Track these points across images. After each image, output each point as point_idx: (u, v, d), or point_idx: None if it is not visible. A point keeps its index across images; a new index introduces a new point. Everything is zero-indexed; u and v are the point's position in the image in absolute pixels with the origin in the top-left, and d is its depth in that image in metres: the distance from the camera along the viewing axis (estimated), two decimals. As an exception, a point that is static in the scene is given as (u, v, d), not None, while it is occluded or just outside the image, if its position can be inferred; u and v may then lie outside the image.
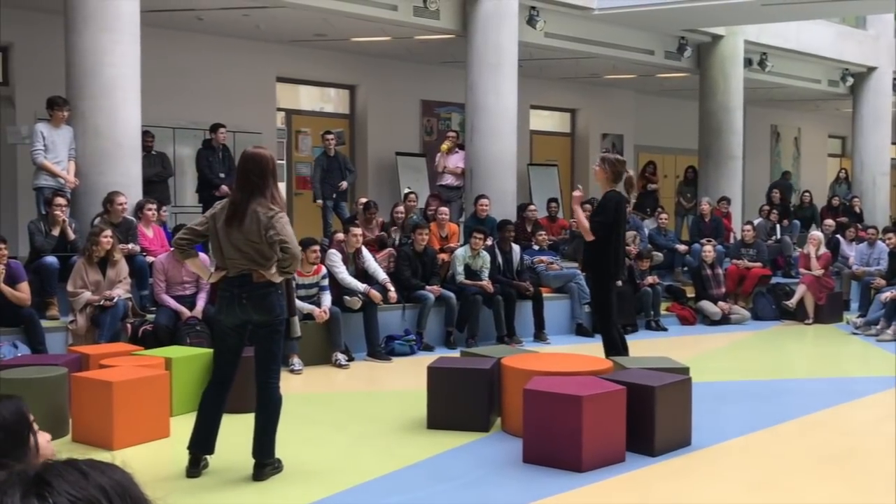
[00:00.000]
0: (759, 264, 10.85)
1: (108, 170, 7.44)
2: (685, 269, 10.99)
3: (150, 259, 7.36)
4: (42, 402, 4.78)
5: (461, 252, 8.71)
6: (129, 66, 7.49)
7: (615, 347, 5.97)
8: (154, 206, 7.73)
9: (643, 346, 7.42)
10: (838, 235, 12.10)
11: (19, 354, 6.09)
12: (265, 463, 4.35)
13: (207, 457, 4.44)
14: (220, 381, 4.49)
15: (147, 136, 9.17)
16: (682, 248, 11.21)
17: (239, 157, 4.39)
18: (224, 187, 9.24)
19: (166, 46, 10.36)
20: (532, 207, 11.08)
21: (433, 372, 5.29)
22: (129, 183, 7.54)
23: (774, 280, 11.07)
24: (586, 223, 5.90)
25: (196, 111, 10.74)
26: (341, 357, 7.30)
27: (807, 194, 14.94)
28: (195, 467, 4.38)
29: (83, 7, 7.31)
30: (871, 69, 15.23)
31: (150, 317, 6.91)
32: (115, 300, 6.59)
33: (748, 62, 13.33)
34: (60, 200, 7.11)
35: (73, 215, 7.34)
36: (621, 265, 6.12)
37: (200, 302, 7.01)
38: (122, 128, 7.47)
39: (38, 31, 9.23)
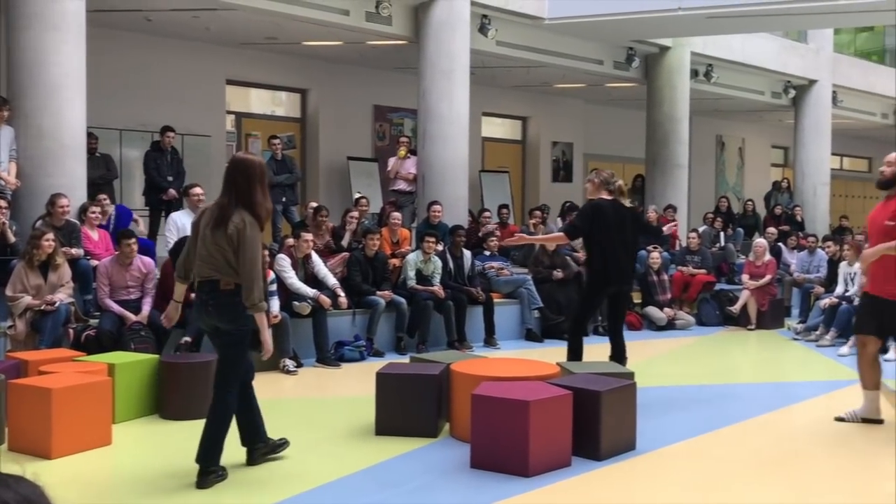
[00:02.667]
0: (703, 271, 11.08)
1: (52, 171, 7.28)
2: (633, 275, 11.15)
3: (94, 263, 7.21)
4: (-22, 409, 4.66)
5: (413, 257, 8.72)
6: (74, 66, 7.33)
7: (574, 353, 6.17)
8: (98, 210, 7.58)
9: (591, 352, 7.51)
10: (780, 243, 12.41)
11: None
12: (209, 470, 4.28)
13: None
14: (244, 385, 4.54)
15: (91, 137, 8.98)
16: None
17: (228, 162, 4.40)
18: (172, 191, 9.11)
19: (114, 47, 10.18)
20: (486, 214, 11.15)
21: (382, 378, 5.29)
22: (73, 185, 7.38)
23: (718, 286, 11.31)
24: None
25: (144, 113, 10.57)
26: (289, 363, 7.24)
27: (750, 203, 15.30)
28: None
29: (26, 5, 7.15)
30: (812, 82, 15.68)
31: (94, 322, 6.77)
32: (56, 305, 6.44)
33: (694, 73, 13.62)
34: (0, 202, 6.93)
35: (14, 217, 7.16)
36: (612, 273, 6.09)
37: (146, 307, 6.89)
38: (66, 129, 7.31)
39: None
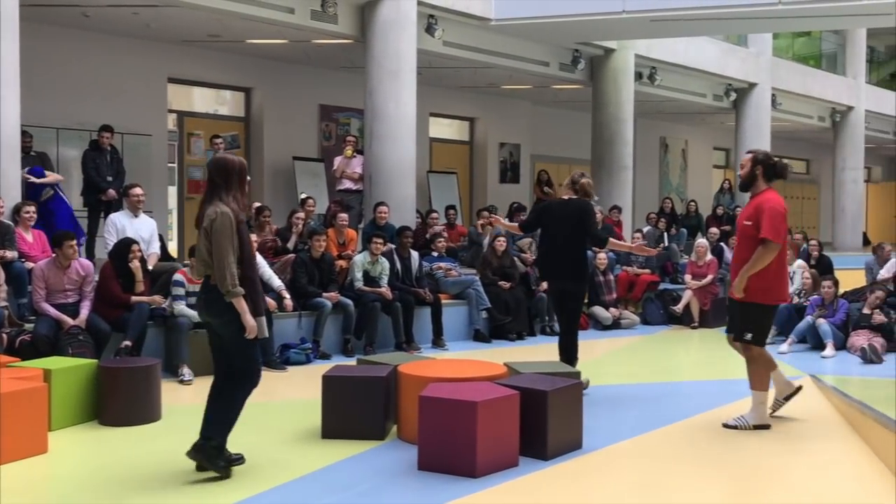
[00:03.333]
0: (647, 271, 11.24)
1: (-17, 171, 7.03)
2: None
3: (29, 265, 6.98)
4: None
5: (360, 258, 8.65)
6: (7, 62, 7.09)
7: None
8: (32, 209, 7.32)
9: (538, 351, 7.56)
10: (722, 243, 12.65)
11: None
12: (204, 439, 4.39)
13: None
14: (216, 375, 4.53)
15: (25, 135, 8.70)
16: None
17: (208, 163, 4.52)
18: (111, 191, 8.87)
19: (50, 43, 9.90)
20: (434, 215, 11.12)
21: (328, 380, 5.23)
22: (7, 185, 7.16)
23: (662, 286, 11.48)
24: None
25: (82, 111, 10.29)
26: (187, 372, 7.07)
27: (693, 204, 15.58)
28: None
29: (-45, -2, 6.89)
30: (753, 85, 16.05)
31: (29, 326, 6.55)
32: (-12, 309, 6.21)
33: (638, 76, 13.81)
34: (-72, 203, 6.67)
35: (-58, 219, 6.89)
36: (544, 269, 6.67)
37: (84, 310, 6.70)
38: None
39: None
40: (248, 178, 4.56)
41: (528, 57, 12.53)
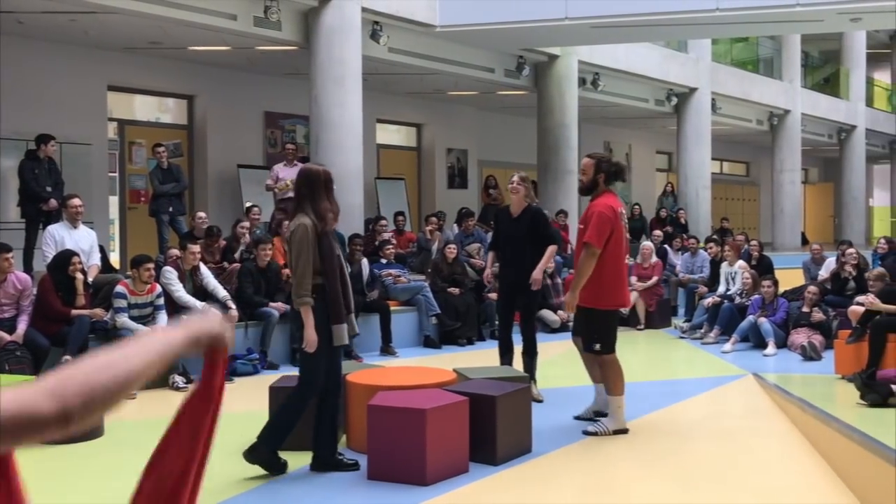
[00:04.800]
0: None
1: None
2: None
3: (-38, 280, 6.75)
4: None
5: (306, 267, 8.56)
6: (-65, 70, 6.87)
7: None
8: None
9: (487, 356, 7.58)
10: (666, 245, 12.88)
11: None
12: (258, 443, 4.48)
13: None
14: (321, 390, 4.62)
15: None
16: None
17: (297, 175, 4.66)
18: (53, 201, 8.65)
19: (-19, 50, 9.61)
20: (383, 222, 11.09)
21: (275, 391, 5.17)
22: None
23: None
24: None
25: (18, 121, 10.00)
26: (179, 379, 6.98)
27: (637, 207, 15.84)
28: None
29: None
30: (693, 90, 16.38)
31: (-37, 343, 6.34)
32: (-81, 326, 6.00)
33: (582, 81, 13.99)
34: None
35: None
36: (502, 273, 6.49)
37: (21, 325, 6.51)
38: (-73, 137, 6.84)
39: None
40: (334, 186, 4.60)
41: (473, 63, 12.60)
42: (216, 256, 8.85)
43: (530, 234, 6.21)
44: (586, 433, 5.37)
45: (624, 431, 5.39)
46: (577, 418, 5.66)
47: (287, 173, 10.77)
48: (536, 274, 6.17)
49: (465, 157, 16.66)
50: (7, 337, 6.36)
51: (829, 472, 4.61)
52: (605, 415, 5.52)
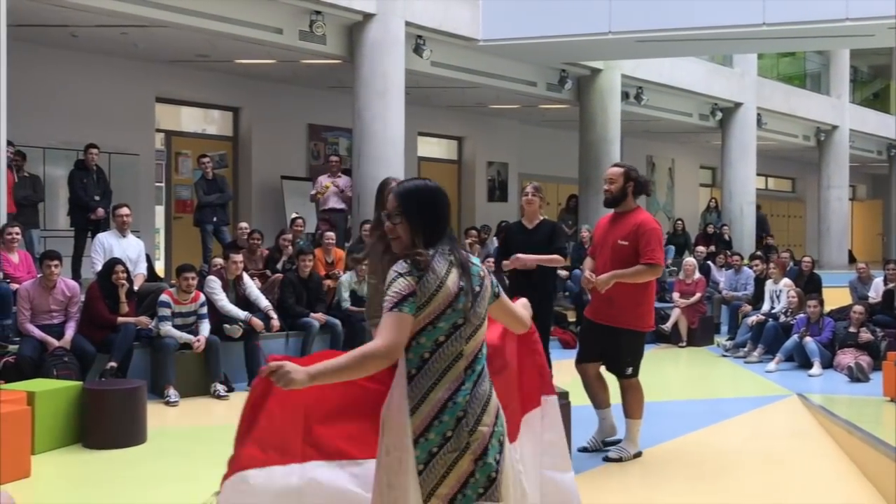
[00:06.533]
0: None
1: (-32, 191, 6.99)
2: (566, 293, 11.27)
3: (14, 286, 6.93)
4: None
5: (347, 278, 8.63)
6: (-6, 82, 7.08)
7: None
8: (16, 231, 7.28)
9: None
10: (709, 262, 12.71)
11: None
12: None
13: None
14: None
15: (17, 156, 8.69)
16: (563, 273, 11.49)
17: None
18: (100, 210, 8.84)
19: (37, 63, 9.88)
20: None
21: (316, 402, 5.19)
22: (-9, 206, 7.10)
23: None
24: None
25: (69, 131, 10.26)
26: (220, 388, 7.06)
27: (679, 222, 15.67)
28: None
29: (-58, 18, 6.88)
30: (738, 104, 16.18)
31: (13, 348, 6.48)
32: (-28, 331, 6.15)
33: (625, 95, 13.91)
34: (-88, 224, 6.62)
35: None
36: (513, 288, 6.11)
37: (69, 331, 6.64)
38: (-16, 147, 7.04)
39: None
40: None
41: (515, 77, 12.61)
42: (259, 265, 8.95)
43: (545, 248, 5.89)
44: (608, 460, 5.18)
45: (638, 455, 5.28)
46: (584, 450, 5.30)
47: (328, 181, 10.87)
48: (526, 257, 5.76)
49: (506, 170, 16.65)
50: (55, 342, 6.49)
51: (876, 497, 4.49)
52: (613, 443, 5.36)
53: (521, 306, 2.79)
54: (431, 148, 15.88)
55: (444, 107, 14.72)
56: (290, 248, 9.16)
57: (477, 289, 2.44)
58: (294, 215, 10.50)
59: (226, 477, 2.55)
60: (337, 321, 8.28)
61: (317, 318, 8.14)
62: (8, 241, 7.20)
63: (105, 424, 5.46)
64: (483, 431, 2.37)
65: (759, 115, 16.65)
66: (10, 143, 8.03)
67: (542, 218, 6.13)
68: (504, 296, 2.61)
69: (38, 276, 6.83)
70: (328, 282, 8.89)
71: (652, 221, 5.17)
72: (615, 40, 10.96)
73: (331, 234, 9.57)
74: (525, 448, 2.93)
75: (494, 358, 2.70)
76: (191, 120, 12.80)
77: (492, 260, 9.94)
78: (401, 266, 2.38)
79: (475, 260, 2.53)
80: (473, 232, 11.39)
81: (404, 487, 2.36)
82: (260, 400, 2.55)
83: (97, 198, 8.91)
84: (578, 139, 13.73)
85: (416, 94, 12.19)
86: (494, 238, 12.06)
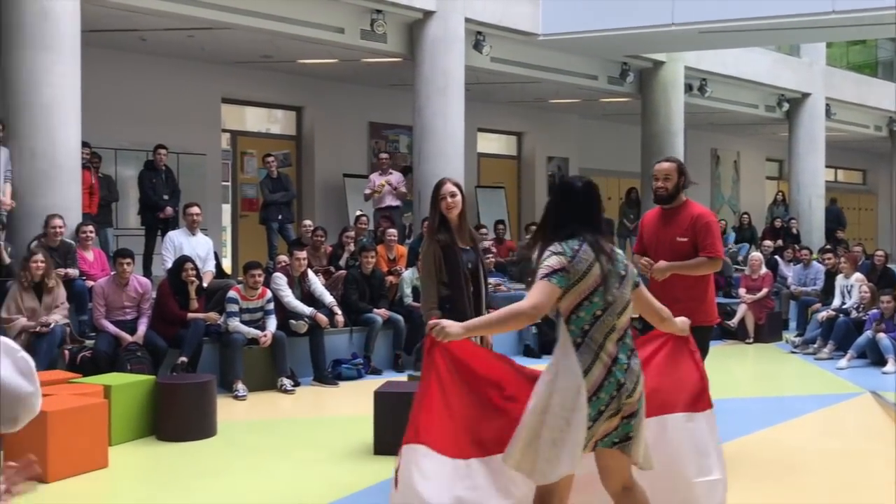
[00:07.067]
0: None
1: (47, 192, 7.26)
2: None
3: (89, 283, 7.18)
4: (-27, 433, 4.62)
5: (409, 274, 8.70)
6: (68, 86, 7.34)
7: None
8: (90, 230, 7.54)
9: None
10: (777, 256, 12.41)
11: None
12: None
13: None
14: None
15: (94, 157, 9.00)
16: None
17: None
18: (169, 209, 9.09)
19: (108, 67, 10.19)
20: (483, 231, 11.14)
21: (380, 397, 5.26)
22: (68, 205, 7.36)
23: (716, 300, 11.27)
24: None
25: (139, 132, 10.57)
26: (287, 382, 7.20)
27: (745, 216, 15.33)
28: None
29: (21, 26, 7.15)
30: (806, 95, 15.75)
31: (89, 343, 6.73)
32: (51, 326, 6.40)
33: (688, 87, 13.67)
34: (-5, 224, 6.91)
35: (9, 239, 7.14)
36: None
37: (142, 327, 6.85)
38: (61, 149, 7.30)
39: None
40: (447, 195, 4.49)
41: (575, 71, 12.51)
42: (322, 261, 9.09)
43: None
44: None
45: None
46: None
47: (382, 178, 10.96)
48: None
49: (566, 165, 16.53)
50: (129, 338, 6.71)
51: (957, 499, 4.34)
52: None
53: (680, 322, 3.30)
54: (491, 144, 15.86)
55: (503, 102, 14.69)
56: (352, 244, 9.28)
57: (622, 273, 2.87)
58: (358, 213, 10.63)
59: (406, 442, 2.94)
60: (399, 317, 8.36)
61: (380, 314, 8.23)
62: (83, 239, 7.46)
63: (177, 417, 5.62)
64: (634, 399, 2.83)
65: (827, 105, 16.17)
66: (86, 145, 8.33)
67: None
68: (643, 287, 3.04)
69: (112, 273, 7.06)
70: (390, 278, 8.98)
71: (709, 213, 5.06)
72: (678, 32, 10.77)
73: (393, 230, 9.66)
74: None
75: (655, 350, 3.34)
76: (255, 120, 13.05)
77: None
78: (555, 247, 2.81)
79: (618, 249, 2.97)
80: (534, 227, 11.34)
81: (571, 442, 2.73)
82: (436, 378, 2.98)
83: (166, 197, 9.16)
84: (641, 132, 13.55)
85: (476, 90, 12.19)
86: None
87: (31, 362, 1.52)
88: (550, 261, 2.79)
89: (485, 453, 2.96)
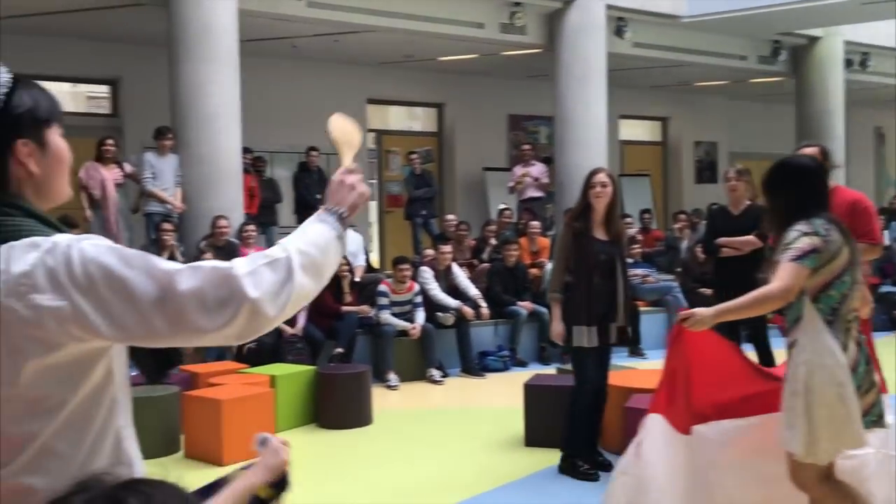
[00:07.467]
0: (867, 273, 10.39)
1: (211, 195, 7.77)
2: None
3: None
4: (156, 419, 5.03)
5: (552, 266, 8.66)
6: (229, 95, 7.81)
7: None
8: (251, 229, 7.99)
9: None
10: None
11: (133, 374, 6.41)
12: (566, 457, 4.63)
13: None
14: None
15: (258, 160, 9.55)
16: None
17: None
18: (322, 208, 9.49)
19: (262, 74, 10.73)
20: (628, 220, 10.90)
21: (530, 389, 5.30)
22: (231, 207, 7.84)
23: (884, 289, 10.58)
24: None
25: (292, 135, 11.08)
26: (436, 373, 7.38)
27: (899, 199, 14.26)
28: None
29: (186, 40, 7.68)
30: (982, 64, 14.41)
31: (254, 334, 7.13)
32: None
33: (848, 63, 12.83)
34: (168, 226, 7.45)
35: (180, 239, 7.69)
36: (717, 274, 6.16)
37: (301, 319, 7.21)
38: (223, 154, 7.80)
39: (144, 65, 9.71)
40: (597, 184, 4.49)
41: (723, 52, 12.03)
42: (466, 255, 9.22)
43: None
44: None
45: None
46: None
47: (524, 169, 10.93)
48: (725, 240, 5.60)
49: (715, 149, 15.92)
50: (289, 330, 7.08)
51: None
52: None
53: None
54: (634, 130, 15.52)
55: (646, 87, 14.33)
56: (494, 238, 9.35)
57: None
58: (502, 206, 10.70)
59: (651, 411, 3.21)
60: (544, 309, 8.34)
61: (524, 307, 8.26)
62: (245, 237, 7.92)
63: (336, 406, 5.88)
64: (878, 379, 2.93)
65: None
66: (248, 150, 8.85)
67: (748, 202, 5.82)
68: None
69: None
70: (533, 270, 8.99)
71: (865, 197, 4.79)
72: (837, 4, 10.15)
73: (535, 223, 9.65)
74: None
75: None
76: (398, 118, 13.38)
77: (699, 248, 9.61)
78: (803, 226, 2.81)
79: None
80: (682, 216, 11.02)
81: (847, 417, 2.76)
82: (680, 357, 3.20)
83: (318, 196, 9.57)
84: (795, 113, 12.86)
85: (617, 76, 11.95)
86: (704, 222, 11.59)
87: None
88: (801, 242, 2.78)
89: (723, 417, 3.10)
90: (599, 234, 4.53)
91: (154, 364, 5.94)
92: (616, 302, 4.53)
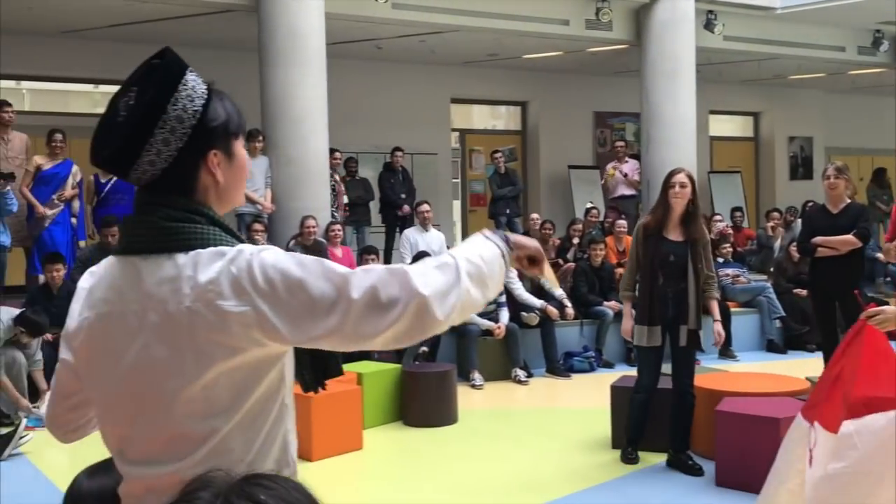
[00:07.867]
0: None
1: (300, 195, 7.94)
2: (888, 279, 10.16)
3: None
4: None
5: (640, 266, 8.51)
6: (317, 97, 7.97)
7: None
8: (337, 228, 8.12)
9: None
10: None
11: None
12: (677, 453, 4.67)
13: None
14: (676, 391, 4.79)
15: (350, 161, 9.74)
16: (881, 256, 10.35)
17: None
18: (406, 207, 9.59)
19: (349, 75, 10.91)
20: (718, 218, 10.63)
21: (617, 391, 5.22)
22: (318, 207, 8.00)
23: None
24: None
25: (377, 135, 11.22)
26: (520, 373, 7.34)
27: None
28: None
29: (275, 45, 7.87)
30: None
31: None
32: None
33: (958, 51, 12.16)
34: (258, 226, 7.65)
35: (270, 239, 7.88)
36: (813, 278, 5.91)
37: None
38: (311, 156, 7.96)
39: (235, 69, 9.92)
40: (676, 185, 4.48)
41: (819, 43, 11.57)
42: (551, 254, 9.15)
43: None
44: None
45: None
46: None
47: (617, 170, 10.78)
48: (822, 239, 5.45)
49: (810, 145, 15.34)
50: (374, 328, 7.15)
51: None
52: None
53: None
54: (724, 126, 15.09)
55: (737, 82, 13.91)
56: (578, 237, 9.25)
57: None
58: (589, 205, 10.58)
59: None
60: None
61: (610, 307, 8.13)
62: (332, 237, 8.07)
63: (421, 404, 5.93)
64: None
65: None
66: (336, 150, 9.02)
67: (848, 201, 5.58)
68: None
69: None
70: (620, 270, 8.83)
71: None
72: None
73: (622, 221, 9.49)
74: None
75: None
76: (482, 117, 13.38)
77: (794, 247, 9.27)
78: None
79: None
80: (776, 214, 10.66)
81: None
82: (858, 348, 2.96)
83: (403, 195, 9.68)
84: (897, 106, 12.27)
85: (707, 70, 11.65)
86: (800, 220, 11.18)
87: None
88: None
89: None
90: (674, 234, 4.47)
91: (312, 373, 6.10)
92: (686, 304, 4.43)
